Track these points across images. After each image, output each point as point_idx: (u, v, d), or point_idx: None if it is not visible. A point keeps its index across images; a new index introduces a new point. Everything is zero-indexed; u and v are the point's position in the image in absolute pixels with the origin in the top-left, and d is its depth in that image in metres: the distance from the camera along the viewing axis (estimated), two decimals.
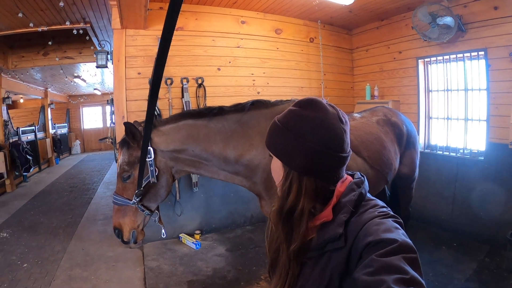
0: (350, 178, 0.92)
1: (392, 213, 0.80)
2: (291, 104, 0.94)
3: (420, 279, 0.62)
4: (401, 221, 0.78)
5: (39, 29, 4.51)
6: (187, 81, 4.11)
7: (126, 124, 2.00)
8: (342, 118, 0.87)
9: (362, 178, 0.92)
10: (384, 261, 0.65)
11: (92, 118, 15.47)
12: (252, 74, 4.53)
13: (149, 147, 2.02)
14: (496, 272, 3.09)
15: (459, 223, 3.87)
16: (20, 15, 3.93)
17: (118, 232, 2.12)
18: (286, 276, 0.87)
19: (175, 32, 3.88)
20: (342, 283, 0.77)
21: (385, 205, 0.84)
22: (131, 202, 2.04)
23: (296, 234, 0.85)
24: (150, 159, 2.03)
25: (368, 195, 0.89)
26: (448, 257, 3.41)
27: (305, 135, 0.84)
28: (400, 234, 0.71)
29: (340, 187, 0.87)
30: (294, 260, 0.86)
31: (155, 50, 3.83)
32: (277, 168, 0.92)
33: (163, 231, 2.29)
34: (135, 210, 2.09)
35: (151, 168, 2.04)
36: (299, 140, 0.84)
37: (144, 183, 2.04)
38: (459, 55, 3.86)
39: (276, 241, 0.93)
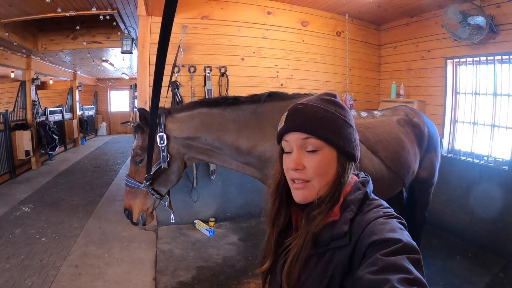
0: (355, 177, 0.91)
1: (396, 214, 0.80)
2: None
3: (424, 279, 0.62)
4: (405, 222, 0.78)
5: (67, 14, 4.61)
6: (210, 70, 4.13)
7: (140, 110, 2.05)
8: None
9: (367, 177, 0.92)
10: (388, 260, 0.65)
11: (119, 102, 15.79)
12: (276, 65, 4.50)
13: (162, 133, 2.06)
14: None
15: (476, 233, 3.72)
16: (48, 0, 4.03)
17: (128, 213, 2.19)
18: (299, 259, 0.84)
19: (200, 21, 3.90)
20: (344, 281, 0.77)
21: (389, 206, 0.84)
22: (142, 185, 2.09)
23: (319, 217, 0.83)
24: (162, 145, 2.06)
25: (372, 195, 0.88)
26: (461, 267, 3.30)
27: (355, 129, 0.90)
28: (404, 235, 0.71)
29: (346, 186, 0.86)
30: (308, 245, 0.83)
31: (179, 37, 3.87)
32: (327, 161, 0.85)
33: (172, 215, 2.33)
34: (146, 193, 2.15)
35: (163, 154, 2.07)
36: (355, 133, 0.89)
37: (155, 168, 2.07)
38: (489, 58, 3.69)
39: (276, 219, 0.94)
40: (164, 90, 3.86)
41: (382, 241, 0.69)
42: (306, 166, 0.83)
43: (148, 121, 1.92)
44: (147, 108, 2.06)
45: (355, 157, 0.87)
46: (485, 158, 3.79)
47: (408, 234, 0.73)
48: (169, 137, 2.11)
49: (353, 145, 0.87)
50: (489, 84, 3.79)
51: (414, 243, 0.70)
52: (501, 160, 3.64)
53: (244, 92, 2.32)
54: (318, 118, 0.84)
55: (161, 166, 2.09)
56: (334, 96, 0.91)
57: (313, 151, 0.84)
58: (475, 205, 3.77)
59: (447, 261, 3.40)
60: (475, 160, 3.88)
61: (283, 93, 2.21)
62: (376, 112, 2.76)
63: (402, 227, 0.75)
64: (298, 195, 0.86)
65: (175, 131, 2.13)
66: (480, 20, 3.39)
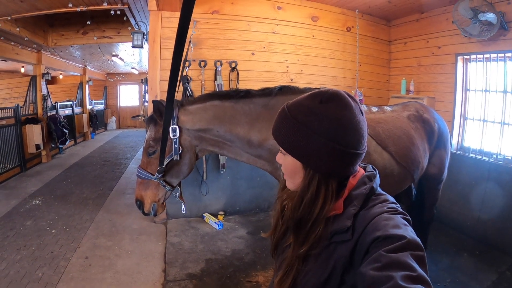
0: (362, 170, 0.90)
1: (401, 209, 0.79)
2: None
3: (427, 277, 0.62)
4: (410, 218, 0.77)
5: (78, 9, 4.64)
6: (221, 64, 4.16)
7: (155, 102, 2.07)
8: (362, 109, 0.84)
9: (374, 171, 0.90)
10: (392, 257, 0.64)
11: (129, 96, 15.91)
12: (286, 60, 4.51)
13: (175, 126, 2.09)
14: None
15: (484, 231, 3.70)
16: None
17: (140, 203, 2.23)
18: (292, 270, 0.86)
19: (210, 15, 3.91)
20: (344, 275, 0.77)
21: (395, 201, 0.83)
22: (154, 177, 2.12)
23: (311, 237, 0.84)
24: (175, 137, 2.09)
25: (379, 189, 0.87)
26: (468, 264, 3.29)
27: (335, 138, 0.79)
28: (408, 231, 0.70)
29: (352, 180, 0.85)
30: (301, 257, 0.86)
31: (190, 32, 3.88)
32: (291, 167, 0.87)
33: (183, 206, 2.37)
34: (157, 185, 2.18)
35: (175, 146, 2.10)
36: (328, 144, 0.79)
37: (167, 160, 2.11)
38: (500, 55, 3.66)
39: (281, 227, 0.97)
40: None
41: (386, 237, 0.69)
42: (281, 163, 0.91)
43: (162, 113, 1.92)
44: None
45: (323, 171, 0.82)
46: (494, 156, 3.76)
47: (412, 230, 0.73)
48: (181, 129, 2.14)
49: (317, 159, 0.81)
50: (499, 81, 3.75)
51: (418, 239, 0.69)
52: (510, 158, 3.61)
53: (254, 87, 2.33)
54: (279, 128, 0.87)
55: (173, 158, 2.12)
56: (323, 100, 0.81)
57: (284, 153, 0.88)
58: (484, 203, 3.75)
59: (454, 258, 3.39)
60: (484, 158, 3.85)
61: (294, 87, 2.22)
62: (386, 108, 2.76)
63: (406, 223, 0.74)
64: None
65: (187, 123, 2.15)
66: (490, 16, 3.37)
